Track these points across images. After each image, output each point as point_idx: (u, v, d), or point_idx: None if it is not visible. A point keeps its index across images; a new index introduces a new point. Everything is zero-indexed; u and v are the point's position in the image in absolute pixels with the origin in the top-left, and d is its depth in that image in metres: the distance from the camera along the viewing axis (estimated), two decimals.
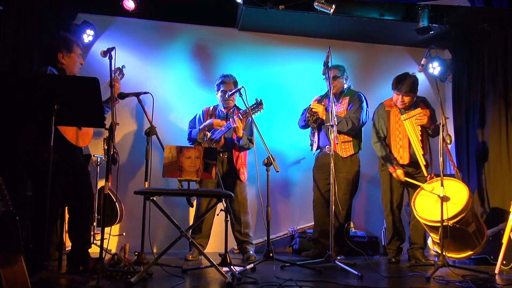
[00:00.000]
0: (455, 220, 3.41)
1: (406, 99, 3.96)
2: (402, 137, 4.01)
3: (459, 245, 3.63)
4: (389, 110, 4.10)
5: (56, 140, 2.72)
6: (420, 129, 3.94)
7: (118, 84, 3.46)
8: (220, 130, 3.95)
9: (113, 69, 2.86)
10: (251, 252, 4.00)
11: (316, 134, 4.20)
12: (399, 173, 3.92)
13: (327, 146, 4.08)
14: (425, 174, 3.87)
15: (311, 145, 4.29)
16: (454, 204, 3.48)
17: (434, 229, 3.54)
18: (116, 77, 3.45)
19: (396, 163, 3.94)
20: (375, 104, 4.27)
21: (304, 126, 4.25)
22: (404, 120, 3.96)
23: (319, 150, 4.22)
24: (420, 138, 3.91)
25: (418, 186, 3.79)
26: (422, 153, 3.88)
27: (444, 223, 3.28)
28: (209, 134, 3.85)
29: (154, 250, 3.05)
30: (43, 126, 2.59)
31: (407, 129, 3.95)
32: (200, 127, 4.05)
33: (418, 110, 3.97)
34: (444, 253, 3.26)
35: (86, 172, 3.25)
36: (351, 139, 4.09)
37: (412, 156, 3.95)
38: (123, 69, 3.60)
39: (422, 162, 3.87)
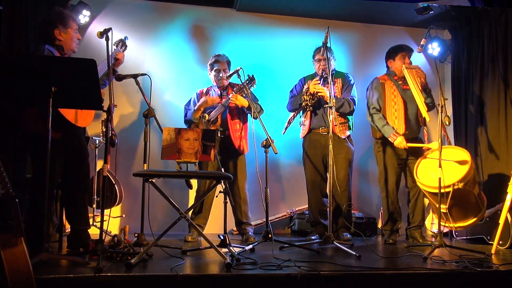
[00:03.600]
0: (463, 182, 3.42)
1: (410, 56, 4.05)
2: (398, 108, 4.01)
3: (463, 212, 3.65)
4: (383, 82, 4.11)
5: (57, 120, 2.70)
6: (420, 83, 3.89)
7: (122, 58, 3.42)
8: (215, 110, 3.95)
9: (110, 50, 2.83)
10: (250, 233, 4.03)
11: (309, 116, 4.14)
12: (400, 139, 3.88)
13: (321, 128, 4.05)
14: (427, 119, 3.79)
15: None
16: (459, 167, 3.51)
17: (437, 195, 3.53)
18: (118, 51, 3.42)
19: (396, 131, 3.93)
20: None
21: (296, 109, 4.19)
22: (406, 69, 3.92)
23: (310, 132, 4.15)
24: (420, 88, 3.86)
25: (417, 160, 3.79)
26: (424, 100, 3.82)
27: (455, 186, 3.33)
28: (207, 116, 3.84)
29: (154, 231, 3.06)
30: (44, 107, 2.58)
31: (408, 77, 3.89)
32: (195, 107, 4.03)
33: (417, 66, 4.03)
34: (448, 226, 3.27)
35: (86, 153, 3.25)
36: (346, 120, 4.09)
37: (409, 126, 3.96)
38: (126, 40, 3.55)
39: (423, 107, 3.79)
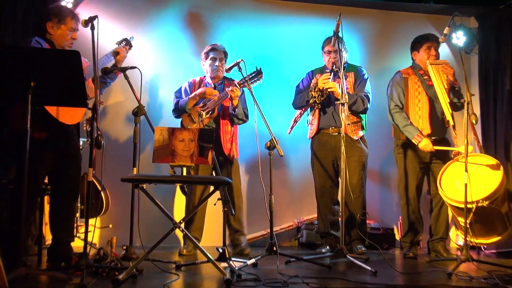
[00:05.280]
0: (489, 200, 3.40)
1: (437, 48, 4.05)
2: (422, 106, 4.00)
3: (486, 229, 3.64)
4: (406, 77, 4.11)
5: (42, 117, 2.71)
6: (446, 81, 3.87)
7: (123, 53, 3.48)
8: (212, 100, 3.96)
9: (96, 41, 2.84)
10: (243, 244, 4.05)
11: (317, 114, 4.14)
12: (425, 142, 3.86)
13: (331, 128, 4.06)
14: (451, 122, 3.80)
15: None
16: (487, 182, 3.48)
17: (463, 211, 3.52)
18: (120, 46, 3.49)
19: (421, 132, 3.92)
20: (390, 76, 4.28)
21: (303, 107, 4.19)
22: (430, 65, 3.91)
23: (318, 132, 4.15)
24: (446, 87, 3.84)
25: (443, 165, 3.77)
26: (449, 101, 3.79)
27: (479, 204, 3.31)
28: (204, 114, 3.85)
29: (144, 244, 3.07)
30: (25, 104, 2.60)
31: (432, 74, 3.88)
32: (190, 95, 4.04)
33: (445, 60, 3.99)
34: (469, 240, 3.27)
35: (78, 155, 3.27)
36: (359, 119, 4.09)
37: (434, 127, 3.95)
38: (131, 40, 3.64)
39: (447, 109, 3.77)
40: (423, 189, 4.17)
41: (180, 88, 4.26)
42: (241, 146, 4.30)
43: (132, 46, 3.65)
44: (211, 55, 4.16)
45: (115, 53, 3.44)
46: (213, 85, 4.18)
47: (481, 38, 5.13)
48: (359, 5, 5.21)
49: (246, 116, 4.13)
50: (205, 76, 4.27)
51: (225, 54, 4.20)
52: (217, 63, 4.11)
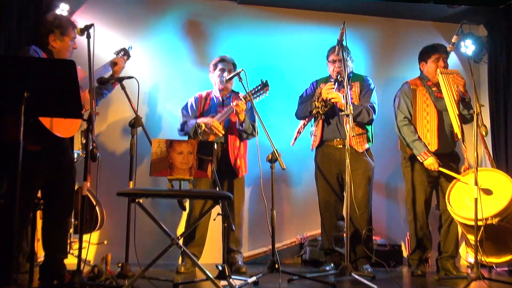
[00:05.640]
0: (500, 217, 3.37)
1: (446, 59, 4.03)
2: (430, 120, 3.99)
3: (496, 247, 3.61)
4: (414, 88, 4.10)
5: (36, 129, 2.70)
6: (457, 92, 3.86)
7: (121, 63, 3.49)
8: (219, 115, 3.97)
9: (91, 50, 2.85)
10: (240, 262, 4.04)
11: (320, 126, 4.13)
12: (431, 161, 3.86)
13: (336, 140, 4.04)
14: (459, 135, 3.78)
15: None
16: (498, 199, 3.46)
17: (473, 228, 3.48)
18: (118, 57, 3.50)
19: (428, 150, 3.91)
20: (396, 86, 4.27)
21: (306, 117, 4.19)
22: (441, 74, 3.90)
23: (322, 144, 4.14)
24: (456, 99, 3.83)
25: (452, 180, 3.76)
26: (457, 113, 3.78)
27: (489, 221, 3.27)
28: (203, 126, 3.83)
29: (141, 261, 3.04)
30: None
31: (442, 83, 3.86)
32: (198, 120, 4.03)
33: (456, 70, 3.99)
34: (480, 259, 3.25)
35: (73, 169, 3.26)
36: (364, 131, 4.08)
37: (443, 141, 3.93)
38: (130, 50, 3.65)
39: (456, 121, 3.75)
40: (432, 204, 4.15)
41: (186, 104, 4.25)
42: None
43: (130, 56, 3.67)
44: (219, 66, 4.16)
45: (113, 64, 3.45)
46: (221, 99, 4.18)
47: (491, 46, 5.15)
48: (364, 13, 5.24)
49: (255, 130, 4.09)
50: (211, 91, 4.26)
51: (234, 65, 4.20)
52: (225, 74, 4.10)
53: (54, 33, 3.18)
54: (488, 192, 3.46)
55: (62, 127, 3.08)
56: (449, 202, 3.67)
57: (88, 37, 2.87)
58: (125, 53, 3.62)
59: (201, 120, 3.98)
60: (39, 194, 3.24)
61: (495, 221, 3.33)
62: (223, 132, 3.98)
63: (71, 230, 4.00)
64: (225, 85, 4.13)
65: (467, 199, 3.53)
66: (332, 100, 3.95)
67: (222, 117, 3.98)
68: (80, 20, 4.52)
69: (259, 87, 3.89)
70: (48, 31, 3.17)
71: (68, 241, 3.82)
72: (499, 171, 3.69)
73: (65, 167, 3.21)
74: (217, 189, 3.43)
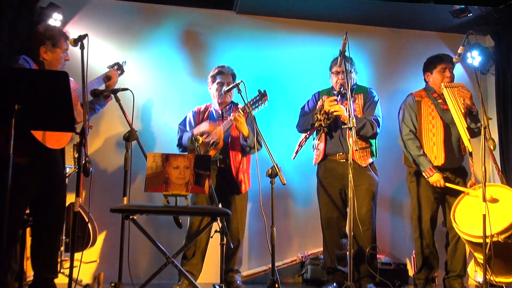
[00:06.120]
0: (507, 233, 3.37)
1: (452, 69, 4.05)
2: (436, 132, 4.00)
3: (505, 266, 3.59)
4: (419, 100, 4.12)
5: (28, 141, 2.70)
6: (463, 105, 3.87)
7: (115, 77, 3.52)
8: (217, 129, 3.96)
9: (85, 61, 2.87)
10: (238, 281, 4.03)
11: (323, 139, 4.14)
12: (437, 178, 3.88)
13: (338, 154, 4.05)
14: (470, 149, 3.78)
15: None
16: (505, 214, 3.45)
17: (480, 246, 3.49)
18: (113, 71, 3.54)
19: (433, 166, 3.92)
20: (401, 99, 4.30)
21: (308, 130, 4.20)
22: (445, 87, 3.91)
23: (325, 159, 4.13)
24: (463, 112, 3.83)
25: (458, 196, 3.76)
26: (466, 126, 3.78)
27: (494, 238, 3.26)
28: (201, 139, 3.84)
29: (135, 280, 3.03)
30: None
31: (448, 97, 3.87)
32: (194, 131, 4.04)
33: (461, 83, 4.00)
34: (489, 278, 3.23)
35: (63, 184, 3.26)
36: (368, 145, 4.09)
37: (449, 155, 3.94)
38: (124, 65, 3.69)
39: (465, 135, 3.74)
40: (439, 220, 4.14)
41: (185, 119, 4.26)
42: None
43: (124, 71, 3.69)
44: (218, 80, 4.16)
45: (106, 78, 3.47)
46: (220, 112, 4.18)
47: (498, 57, 5.18)
48: (367, 23, 5.27)
49: (260, 144, 4.00)
50: (210, 104, 4.27)
51: (234, 76, 4.20)
52: (224, 87, 4.09)
53: (46, 44, 3.21)
54: (494, 208, 3.45)
55: (53, 138, 3.08)
56: (454, 219, 3.66)
57: (82, 48, 2.89)
58: (119, 67, 3.65)
59: (197, 132, 4.00)
60: (27, 210, 3.24)
61: (501, 238, 3.33)
62: (221, 128, 3.97)
63: (62, 248, 3.99)
64: (224, 99, 4.14)
65: (473, 215, 3.53)
66: (335, 113, 3.95)
67: (220, 132, 3.95)
68: (74, 30, 4.55)
69: (257, 98, 3.89)
70: (39, 43, 3.20)
71: (59, 260, 3.81)
72: (506, 186, 3.69)
73: (55, 182, 3.21)
74: (214, 205, 3.43)
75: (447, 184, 3.86)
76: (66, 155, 4.21)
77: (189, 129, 4.17)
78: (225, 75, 4.16)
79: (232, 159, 4.04)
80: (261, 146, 3.94)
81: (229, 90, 3.93)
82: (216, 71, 4.21)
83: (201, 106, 4.30)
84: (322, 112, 4.01)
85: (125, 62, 3.70)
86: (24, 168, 2.93)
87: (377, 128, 4.02)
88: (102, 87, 3.48)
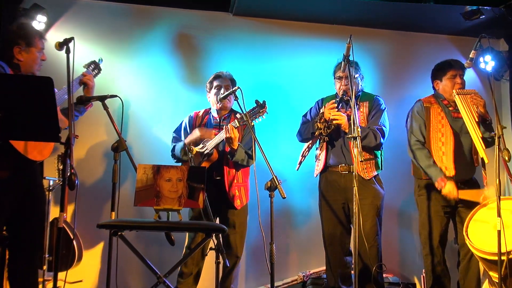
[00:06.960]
0: None
1: (462, 76, 4.07)
2: (446, 142, 4.01)
3: None
4: (428, 107, 4.13)
5: (5, 152, 2.69)
6: (477, 113, 3.86)
7: (91, 82, 3.50)
8: (212, 140, 3.96)
9: (71, 66, 2.87)
10: None
11: (324, 149, 4.13)
12: (450, 187, 3.86)
13: (340, 166, 4.03)
14: (486, 160, 3.75)
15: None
16: None
17: (495, 264, 3.47)
18: (88, 73, 3.51)
19: (444, 175, 3.90)
20: (409, 106, 4.32)
21: (308, 139, 4.19)
22: (457, 94, 3.91)
23: (326, 170, 4.14)
24: (477, 121, 3.81)
25: (472, 210, 3.75)
26: (481, 135, 3.76)
27: (510, 256, 3.25)
28: (195, 150, 3.83)
29: None
30: None
31: (460, 105, 3.86)
32: (186, 140, 4.04)
33: (473, 90, 4.00)
34: None
35: (43, 198, 3.25)
36: (372, 156, 4.08)
37: (460, 166, 3.94)
38: (100, 63, 3.65)
39: (480, 145, 3.71)
40: (449, 237, 4.14)
41: (180, 126, 4.26)
42: None
43: (101, 70, 3.66)
44: (215, 84, 4.17)
45: (82, 84, 3.45)
46: (218, 119, 4.18)
47: None
48: (373, 26, 5.29)
49: (251, 158, 3.99)
50: (210, 108, 4.28)
51: (232, 81, 4.20)
52: (222, 91, 4.10)
53: (19, 44, 3.19)
54: (510, 223, 3.44)
55: (35, 149, 3.07)
56: (467, 235, 3.65)
57: (68, 51, 2.88)
58: (96, 66, 3.62)
59: (189, 140, 3.99)
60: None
61: None
62: (213, 132, 3.98)
63: (45, 267, 3.97)
64: (222, 104, 4.14)
65: (489, 230, 3.52)
66: (334, 122, 3.95)
67: (213, 143, 3.94)
68: (59, 33, 4.62)
69: (255, 109, 3.85)
70: (13, 43, 3.18)
71: (41, 280, 3.79)
72: None
73: (34, 195, 3.19)
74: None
75: (461, 196, 3.86)
76: (49, 166, 4.23)
77: (184, 136, 4.17)
78: (223, 79, 4.18)
79: (225, 173, 4.02)
80: (253, 160, 3.95)
81: (225, 97, 3.94)
82: (213, 76, 4.24)
83: (200, 110, 4.30)
84: (322, 120, 4.01)
85: (102, 60, 3.67)
86: (3, 182, 2.92)
87: (381, 139, 4.00)
88: (79, 90, 3.47)
